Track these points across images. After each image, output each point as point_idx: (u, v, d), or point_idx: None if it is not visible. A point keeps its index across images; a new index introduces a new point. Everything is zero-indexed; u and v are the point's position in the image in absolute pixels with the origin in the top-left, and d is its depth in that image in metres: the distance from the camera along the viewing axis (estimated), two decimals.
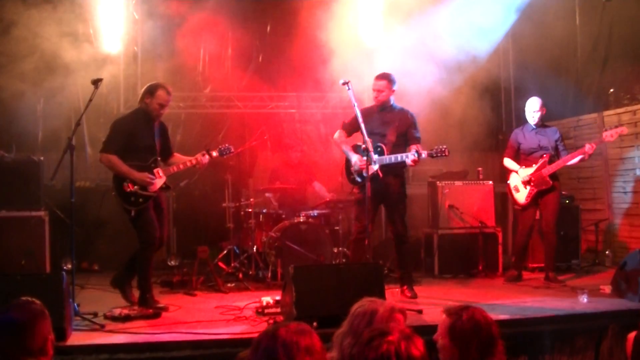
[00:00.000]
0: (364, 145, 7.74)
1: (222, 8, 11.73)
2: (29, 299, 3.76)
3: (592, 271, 10.35)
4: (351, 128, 8.60)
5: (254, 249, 9.85)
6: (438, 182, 10.60)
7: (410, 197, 11.40)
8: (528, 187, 9.37)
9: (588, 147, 8.99)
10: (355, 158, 8.37)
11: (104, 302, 7.87)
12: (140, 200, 7.61)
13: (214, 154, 8.17)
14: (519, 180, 9.48)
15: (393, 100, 8.53)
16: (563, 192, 10.88)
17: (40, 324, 3.63)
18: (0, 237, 9.15)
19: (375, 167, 8.08)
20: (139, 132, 7.72)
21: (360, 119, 7.75)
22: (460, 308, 3.62)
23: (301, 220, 9.79)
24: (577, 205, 11.05)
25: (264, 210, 10.32)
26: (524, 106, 9.64)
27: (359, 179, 8.39)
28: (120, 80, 12.23)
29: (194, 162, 8.01)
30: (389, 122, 8.34)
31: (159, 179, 7.76)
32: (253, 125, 12.38)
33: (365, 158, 7.88)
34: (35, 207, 9.51)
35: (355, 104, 7.86)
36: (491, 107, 13.43)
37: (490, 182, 10.73)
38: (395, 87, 8.44)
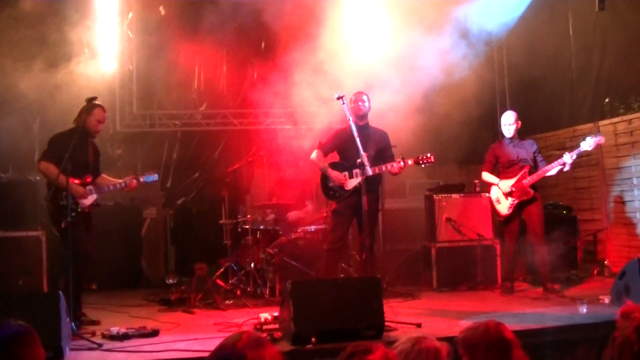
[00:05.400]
0: (359, 161, 7.82)
1: (216, 26, 11.76)
2: (11, 320, 3.65)
3: (591, 281, 10.33)
4: (328, 148, 8.98)
5: (252, 265, 9.81)
6: (435, 195, 10.58)
7: (407, 211, 11.50)
8: (510, 199, 9.41)
9: (567, 157, 9.00)
10: (334, 174, 8.67)
11: (102, 321, 7.85)
12: (73, 214, 7.65)
13: (141, 179, 8.35)
14: (500, 193, 9.52)
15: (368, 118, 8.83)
16: (560, 203, 10.89)
17: (28, 347, 3.55)
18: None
19: (356, 181, 8.44)
20: (74, 150, 7.76)
21: (355, 133, 7.82)
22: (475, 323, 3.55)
23: (298, 236, 9.77)
24: (574, 215, 11.04)
25: (261, 227, 10.30)
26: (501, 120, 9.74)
27: (338, 193, 8.67)
28: (115, 99, 12.26)
29: (122, 184, 8.21)
30: (368, 138, 8.52)
31: (91, 197, 7.94)
32: (249, 142, 12.39)
33: (345, 173, 8.56)
34: (32, 227, 9.51)
35: (350, 118, 7.94)
36: (487, 119, 13.47)
37: (487, 194, 10.66)
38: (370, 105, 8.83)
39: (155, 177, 8.59)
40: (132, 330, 7.10)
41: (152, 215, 11.94)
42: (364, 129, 8.60)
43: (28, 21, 10.96)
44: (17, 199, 9.59)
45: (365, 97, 8.78)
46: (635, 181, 10.60)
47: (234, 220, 10.40)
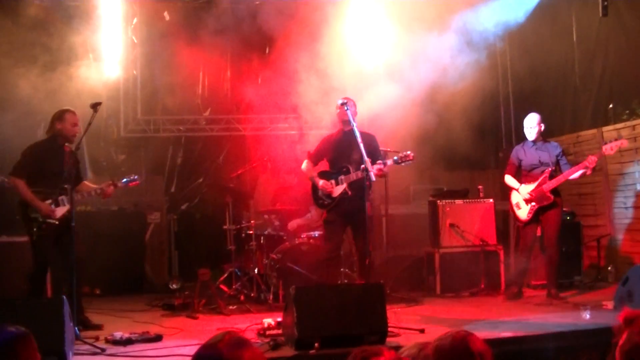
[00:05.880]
0: (362, 166, 7.81)
1: (221, 31, 11.79)
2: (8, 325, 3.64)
3: (594, 287, 10.31)
4: (317, 157, 8.96)
5: (256, 271, 9.83)
6: (438, 201, 10.56)
7: (410, 216, 11.48)
8: (529, 204, 9.33)
9: (590, 160, 8.94)
10: (321, 182, 8.62)
11: (105, 326, 7.87)
12: (43, 226, 7.83)
13: (119, 184, 8.36)
14: (521, 198, 9.44)
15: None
16: (564, 209, 10.85)
17: (25, 351, 3.54)
18: (1, 262, 9.15)
19: (342, 187, 8.44)
20: (49, 160, 7.98)
21: (359, 138, 7.79)
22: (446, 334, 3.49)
23: (302, 241, 9.78)
24: (578, 221, 11.02)
25: (265, 232, 10.31)
26: (524, 123, 9.65)
27: (327, 201, 8.63)
28: (120, 104, 12.30)
29: (98, 191, 8.24)
30: (353, 144, 8.37)
31: (62, 207, 7.95)
32: (253, 147, 12.43)
33: (331, 181, 8.53)
34: None
35: (354, 124, 7.94)
36: (490, 124, 13.49)
37: (491, 199, 10.70)
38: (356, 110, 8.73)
39: (134, 177, 8.57)
40: (136, 335, 7.10)
41: (156, 221, 11.95)
42: (349, 134, 8.46)
43: (32, 26, 11.01)
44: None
45: (351, 103, 8.61)
46: (639, 187, 10.59)
47: (238, 226, 10.42)
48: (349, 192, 8.35)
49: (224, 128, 12.84)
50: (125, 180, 8.47)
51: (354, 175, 8.30)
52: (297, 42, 10.94)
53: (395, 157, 8.32)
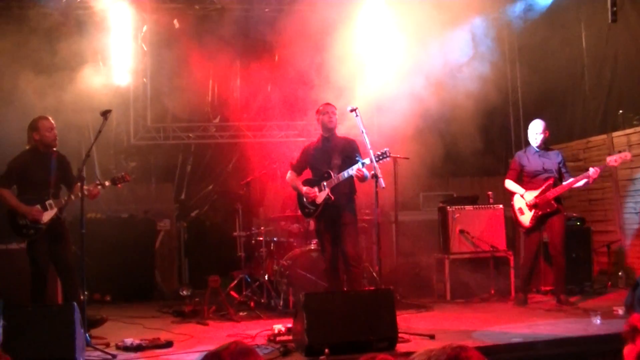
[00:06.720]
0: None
1: (230, 39, 11.83)
2: None
3: (605, 293, 10.24)
4: (300, 167, 8.94)
5: (266, 277, 9.84)
6: (448, 207, 10.56)
7: (420, 223, 11.47)
8: (533, 210, 9.32)
9: (592, 172, 8.93)
10: (305, 188, 8.59)
11: (116, 332, 7.87)
12: (32, 231, 7.86)
13: (107, 183, 8.24)
14: (524, 203, 9.43)
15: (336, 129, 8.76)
16: (574, 215, 10.83)
17: None
18: (11, 269, 9.17)
19: (325, 193, 8.36)
20: (33, 168, 8.02)
21: (368, 145, 7.79)
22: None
23: (312, 248, 9.77)
24: (588, 227, 10.97)
25: (275, 239, 10.32)
26: (528, 129, 9.64)
27: (312, 209, 8.57)
28: (130, 112, 12.36)
29: (85, 192, 7.99)
30: (333, 149, 8.53)
31: (50, 211, 7.95)
32: (263, 154, 12.43)
33: (314, 188, 8.45)
34: None
35: (364, 130, 7.90)
36: (500, 131, 13.49)
37: (501, 206, 10.68)
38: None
39: (122, 175, 8.38)
40: (146, 341, 7.13)
41: (166, 228, 12.00)
42: (328, 140, 8.62)
43: (43, 34, 11.06)
44: None
45: (335, 110, 8.66)
46: None
47: (248, 233, 10.43)
48: (332, 197, 8.29)
49: (233, 135, 12.88)
50: (112, 179, 8.32)
51: (335, 180, 8.27)
52: (306, 49, 10.96)
53: (373, 156, 7.94)
